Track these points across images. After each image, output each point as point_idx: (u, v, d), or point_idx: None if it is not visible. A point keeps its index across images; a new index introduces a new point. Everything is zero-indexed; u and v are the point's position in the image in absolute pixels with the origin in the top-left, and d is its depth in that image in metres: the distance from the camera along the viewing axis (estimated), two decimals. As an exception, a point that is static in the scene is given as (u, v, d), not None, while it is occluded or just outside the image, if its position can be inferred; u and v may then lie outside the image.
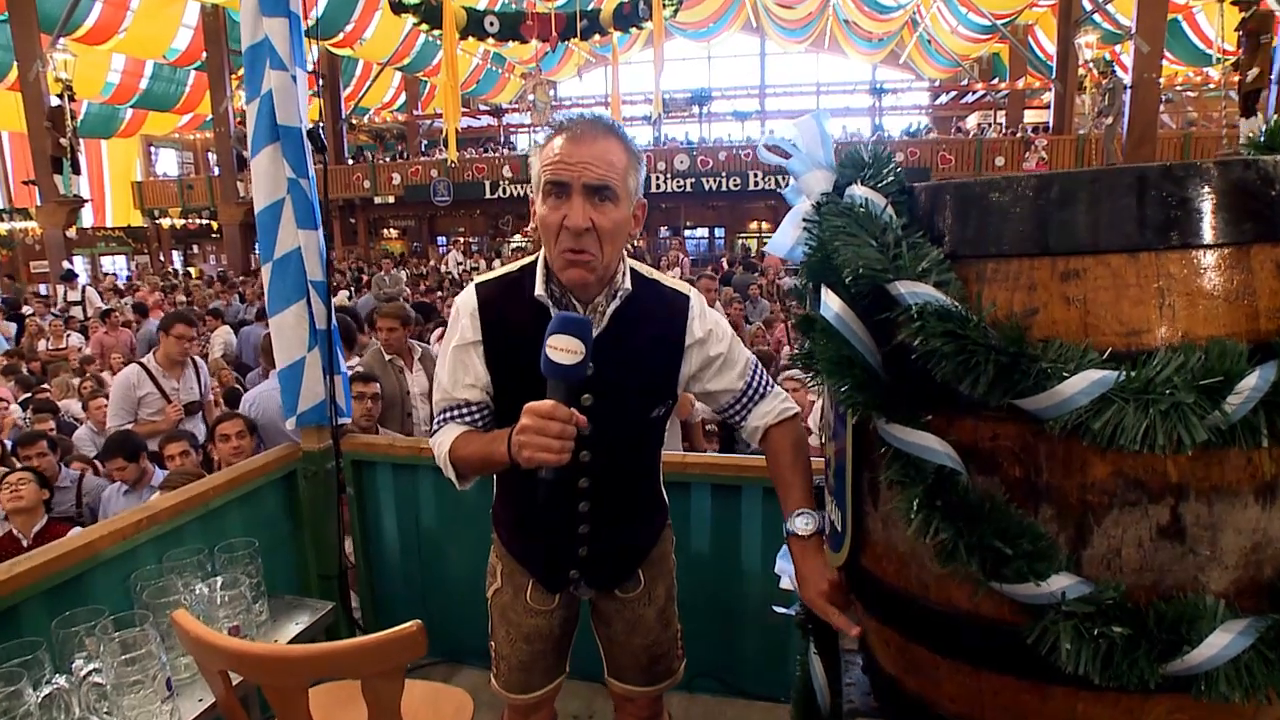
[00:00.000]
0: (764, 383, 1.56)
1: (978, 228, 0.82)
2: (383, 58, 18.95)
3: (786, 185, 1.06)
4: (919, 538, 0.81)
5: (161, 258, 23.69)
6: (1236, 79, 9.57)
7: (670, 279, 1.53)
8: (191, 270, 21.20)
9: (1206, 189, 0.75)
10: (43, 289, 14.26)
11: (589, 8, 13.59)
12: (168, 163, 25.67)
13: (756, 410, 1.54)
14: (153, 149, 24.14)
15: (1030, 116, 20.26)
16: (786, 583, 1.53)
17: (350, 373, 2.96)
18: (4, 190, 19.29)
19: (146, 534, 2.03)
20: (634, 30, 16.15)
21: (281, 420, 3.52)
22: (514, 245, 23.64)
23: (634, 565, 1.64)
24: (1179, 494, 0.75)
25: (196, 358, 4.75)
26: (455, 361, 1.45)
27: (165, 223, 22.58)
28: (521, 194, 19.59)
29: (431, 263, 17.57)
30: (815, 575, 1.29)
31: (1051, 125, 16.52)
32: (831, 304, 0.88)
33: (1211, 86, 17.17)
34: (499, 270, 1.51)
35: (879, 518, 0.94)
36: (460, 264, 18.17)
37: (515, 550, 1.66)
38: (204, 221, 22.36)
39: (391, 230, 24.51)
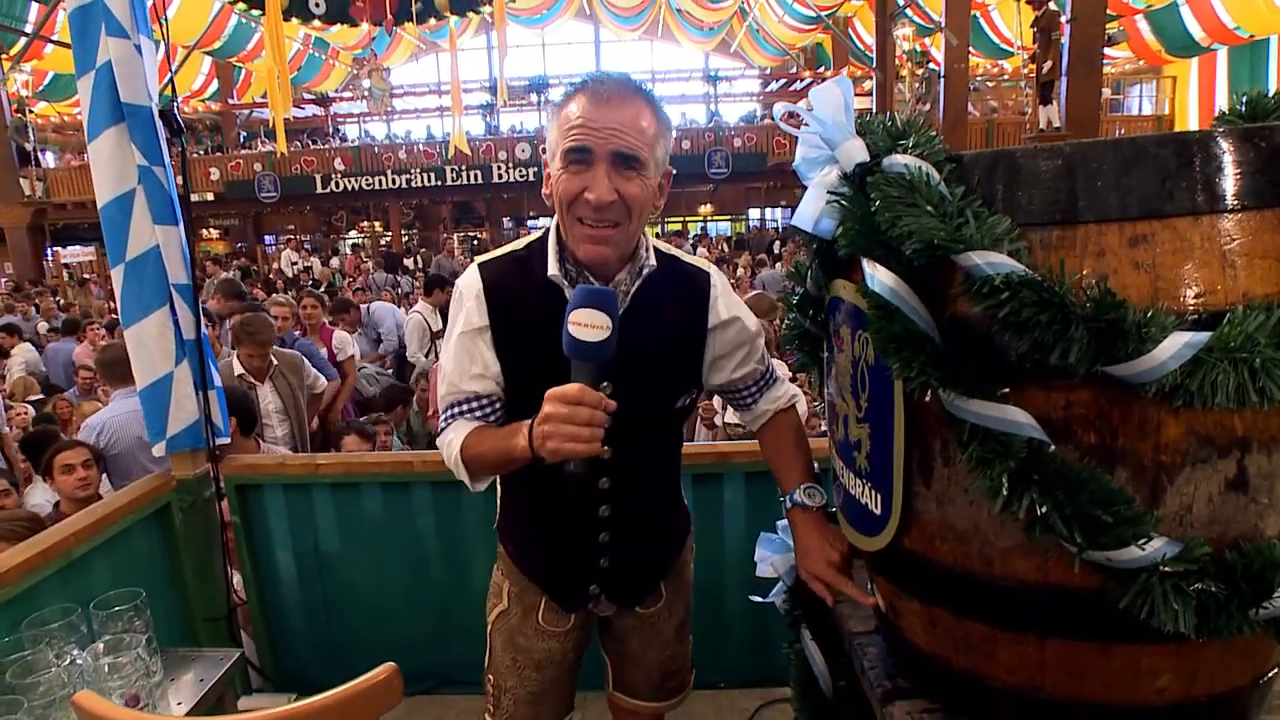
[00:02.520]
0: (773, 365, 1.49)
1: (1041, 195, 0.80)
2: (190, 40, 17.13)
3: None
4: (1007, 513, 0.78)
5: (-77, 269, 20.40)
6: (1031, 71, 10.66)
7: (688, 255, 1.42)
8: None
9: (1256, 154, 0.77)
10: None
11: (423, -11, 12.95)
12: (-78, 158, 22.00)
13: (768, 395, 1.47)
14: (-99, 142, 20.58)
15: (855, 103, 21.60)
16: (766, 570, 1.49)
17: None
18: None
19: (-6, 599, 1.69)
20: (470, 15, 15.61)
21: (145, 448, 3.10)
22: (350, 242, 22.34)
23: (658, 577, 1.52)
24: (1244, 447, 0.78)
25: None
26: (460, 350, 1.29)
27: (-75, 228, 19.41)
28: (356, 187, 18.48)
29: (275, 265, 16.21)
30: (823, 545, 1.27)
31: (875, 111, 17.68)
32: (883, 278, 0.84)
33: (1006, 78, 19.10)
34: (503, 249, 1.37)
35: (932, 497, 0.91)
36: (295, 263, 16.94)
37: (527, 567, 1.49)
38: (-23, 226, 19.42)
39: (212, 230, 22.43)
